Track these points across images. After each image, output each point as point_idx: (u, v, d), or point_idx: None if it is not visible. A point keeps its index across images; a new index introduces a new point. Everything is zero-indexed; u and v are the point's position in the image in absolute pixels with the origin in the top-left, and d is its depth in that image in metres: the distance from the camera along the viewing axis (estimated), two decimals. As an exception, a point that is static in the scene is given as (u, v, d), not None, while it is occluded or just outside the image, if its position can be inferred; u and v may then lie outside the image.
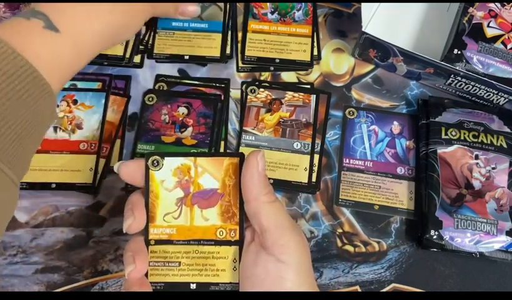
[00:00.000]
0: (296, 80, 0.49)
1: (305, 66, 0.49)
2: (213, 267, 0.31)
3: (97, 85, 0.48)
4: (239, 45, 0.50)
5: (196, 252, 0.31)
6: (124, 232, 0.30)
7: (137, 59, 0.49)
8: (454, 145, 0.43)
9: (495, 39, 0.45)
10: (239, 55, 0.49)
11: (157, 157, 0.30)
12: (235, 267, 0.31)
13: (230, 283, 0.30)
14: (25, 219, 0.43)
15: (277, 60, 0.49)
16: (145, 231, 0.31)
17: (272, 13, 0.51)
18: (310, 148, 0.45)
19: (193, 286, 0.31)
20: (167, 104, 0.47)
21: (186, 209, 0.31)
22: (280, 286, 0.28)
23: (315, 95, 0.47)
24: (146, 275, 0.31)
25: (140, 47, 0.50)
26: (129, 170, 0.31)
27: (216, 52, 0.49)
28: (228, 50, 0.49)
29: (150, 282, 0.30)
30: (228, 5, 0.51)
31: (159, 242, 0.31)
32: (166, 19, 0.51)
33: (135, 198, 0.31)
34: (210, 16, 0.51)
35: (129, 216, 0.30)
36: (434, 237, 0.40)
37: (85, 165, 0.43)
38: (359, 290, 0.41)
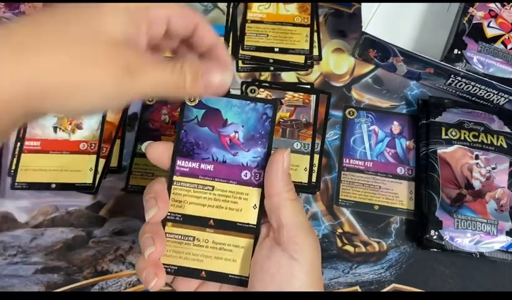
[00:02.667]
0: (296, 80, 0.49)
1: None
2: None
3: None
4: (238, 33, 0.51)
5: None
6: (146, 221, 0.30)
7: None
8: (454, 145, 0.43)
9: (495, 39, 0.45)
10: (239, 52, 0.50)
11: None
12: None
13: None
14: (25, 219, 0.43)
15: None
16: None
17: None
18: (310, 148, 0.45)
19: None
20: (166, 104, 0.47)
21: None
22: (289, 284, 0.28)
23: (314, 95, 0.47)
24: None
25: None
26: (157, 152, 0.31)
27: None
28: (229, 52, 0.50)
29: None
30: (231, 9, 0.51)
31: None
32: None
33: (157, 186, 0.30)
34: (212, 20, 0.51)
35: (153, 206, 0.29)
36: (434, 237, 0.40)
37: (85, 166, 0.43)
38: (359, 290, 0.41)
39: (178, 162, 0.31)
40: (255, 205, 0.31)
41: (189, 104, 0.31)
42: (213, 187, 0.31)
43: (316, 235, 0.30)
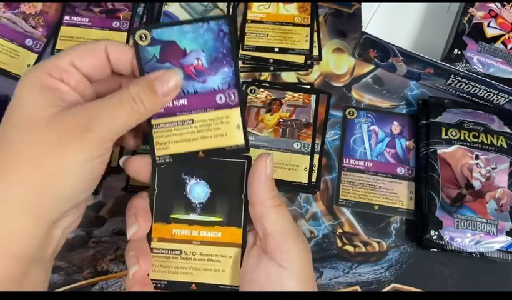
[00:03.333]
0: (296, 80, 0.49)
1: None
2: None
3: (97, 85, 0.48)
4: (238, 33, 0.51)
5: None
6: (128, 239, 0.30)
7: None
8: (454, 145, 0.43)
9: (495, 39, 0.45)
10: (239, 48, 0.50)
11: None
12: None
13: None
14: (25, 219, 0.43)
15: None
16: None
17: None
18: (310, 148, 0.45)
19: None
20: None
21: None
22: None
23: (314, 95, 0.47)
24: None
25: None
26: (135, 165, 0.31)
27: None
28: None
29: None
30: (230, 9, 0.51)
31: None
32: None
33: (138, 202, 0.30)
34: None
35: (133, 223, 0.29)
36: (434, 237, 0.40)
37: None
38: (359, 290, 0.41)
39: None
40: (238, 125, 0.30)
41: (142, 43, 0.29)
42: (192, 120, 0.30)
43: (304, 239, 0.30)
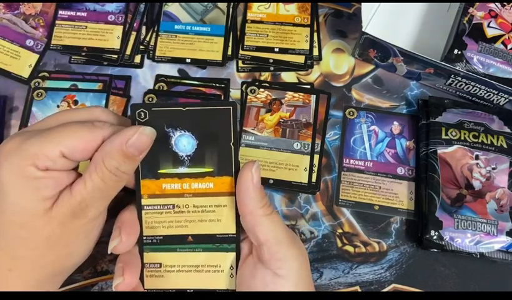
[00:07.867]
0: (296, 81, 0.49)
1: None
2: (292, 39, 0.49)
3: (97, 86, 0.48)
4: (238, 33, 0.51)
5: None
6: (108, 252, 0.29)
7: (137, 59, 0.49)
8: (454, 145, 0.43)
9: (495, 39, 0.45)
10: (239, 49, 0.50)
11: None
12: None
13: None
14: (25, 219, 0.43)
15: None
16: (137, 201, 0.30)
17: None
18: (309, 148, 0.45)
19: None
20: (167, 104, 0.47)
21: None
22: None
23: (315, 96, 0.47)
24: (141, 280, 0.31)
25: (141, 47, 0.50)
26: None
27: (218, 56, 0.49)
28: (229, 52, 0.49)
29: None
30: (230, 9, 0.51)
31: None
32: (169, 22, 0.51)
33: (124, 215, 0.30)
34: (212, 20, 0.51)
35: (115, 237, 0.29)
36: (435, 237, 0.40)
37: (86, 167, 0.43)
38: (359, 290, 0.41)
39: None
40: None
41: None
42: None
43: (299, 244, 0.29)
